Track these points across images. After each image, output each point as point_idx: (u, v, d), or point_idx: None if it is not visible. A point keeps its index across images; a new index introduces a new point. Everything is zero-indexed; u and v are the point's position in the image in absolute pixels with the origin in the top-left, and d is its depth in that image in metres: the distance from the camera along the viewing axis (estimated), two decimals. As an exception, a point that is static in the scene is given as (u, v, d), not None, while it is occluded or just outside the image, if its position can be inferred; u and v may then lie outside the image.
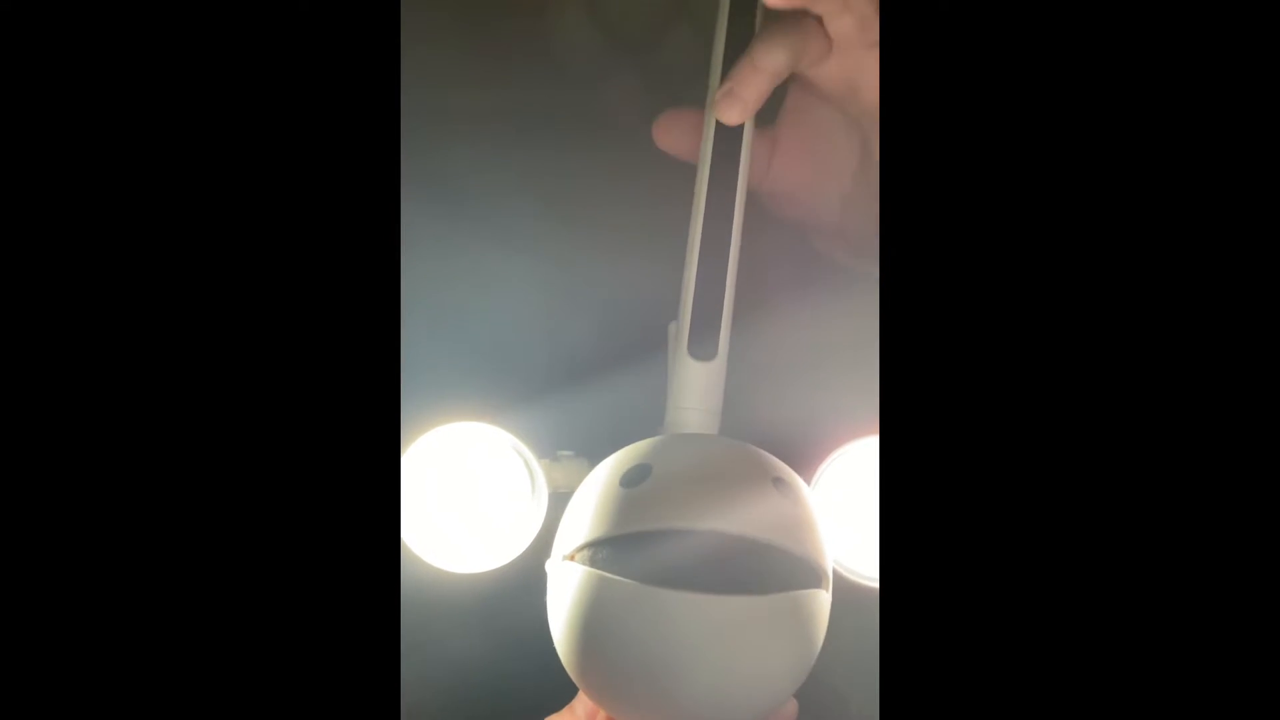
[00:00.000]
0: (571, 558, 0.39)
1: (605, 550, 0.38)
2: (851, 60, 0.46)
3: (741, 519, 0.38)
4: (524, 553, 0.44)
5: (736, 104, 0.44)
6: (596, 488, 0.40)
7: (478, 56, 0.53)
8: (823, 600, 0.39)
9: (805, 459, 0.44)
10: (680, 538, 0.38)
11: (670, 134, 0.48)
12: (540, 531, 0.44)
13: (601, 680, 0.39)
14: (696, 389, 0.44)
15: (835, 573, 0.44)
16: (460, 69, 0.53)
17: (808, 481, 0.44)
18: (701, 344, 0.44)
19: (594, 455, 0.43)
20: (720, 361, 0.44)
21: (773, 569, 0.38)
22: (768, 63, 0.44)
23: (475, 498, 0.45)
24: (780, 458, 0.42)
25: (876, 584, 0.44)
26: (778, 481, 0.40)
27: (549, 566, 0.40)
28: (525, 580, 0.41)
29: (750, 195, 0.46)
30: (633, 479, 0.39)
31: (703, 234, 0.44)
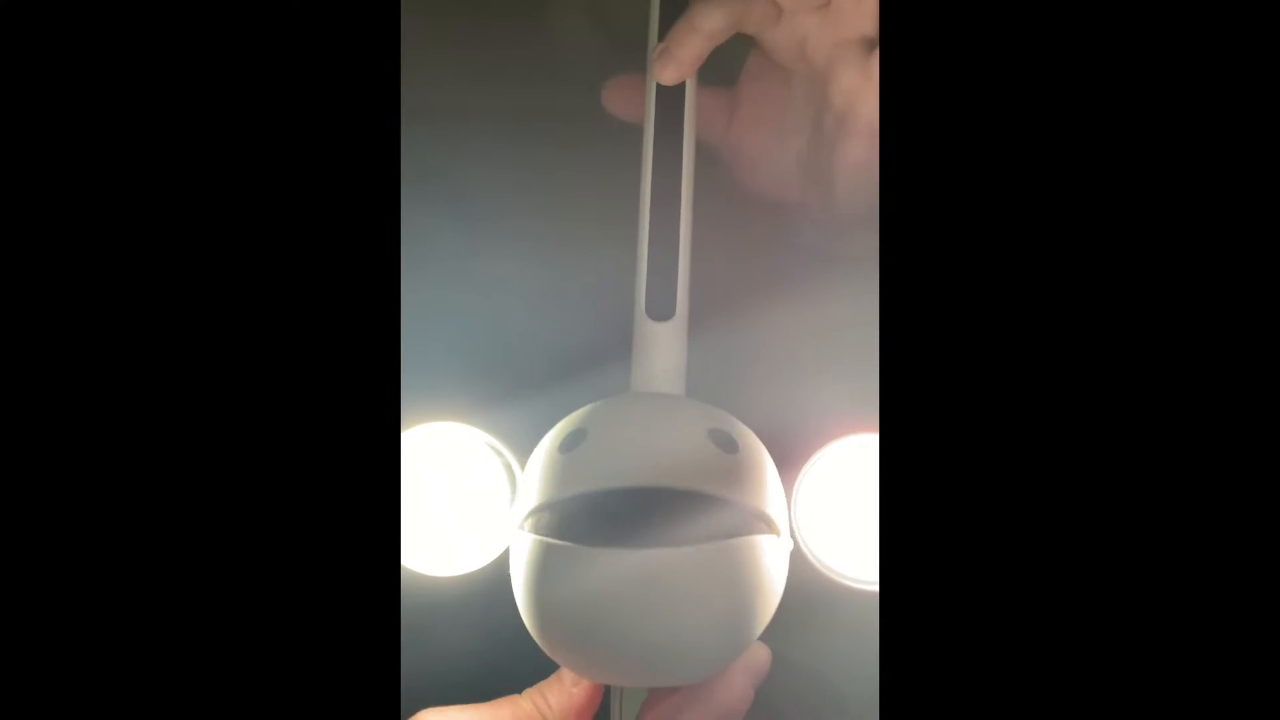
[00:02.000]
0: (521, 527, 0.40)
1: (547, 516, 0.39)
2: (798, 23, 0.46)
3: (673, 472, 0.38)
4: (504, 552, 0.44)
5: (670, 64, 0.44)
6: (540, 456, 0.41)
7: (476, 56, 0.53)
8: (765, 544, 0.39)
9: (789, 459, 0.43)
10: (615, 496, 0.38)
11: (617, 98, 0.48)
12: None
13: (561, 642, 0.39)
14: (657, 350, 0.43)
15: (827, 576, 0.43)
16: (459, 68, 0.53)
17: (792, 481, 0.43)
18: (659, 305, 0.43)
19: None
20: (679, 321, 0.44)
21: (708, 520, 0.38)
22: (704, 24, 0.44)
23: (453, 499, 0.45)
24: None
25: (858, 583, 0.44)
26: (714, 432, 0.40)
27: (509, 537, 0.41)
28: (507, 579, 0.41)
29: (714, 162, 0.45)
30: (569, 444, 0.40)
31: (653, 196, 0.44)
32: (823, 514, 0.44)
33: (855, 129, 0.46)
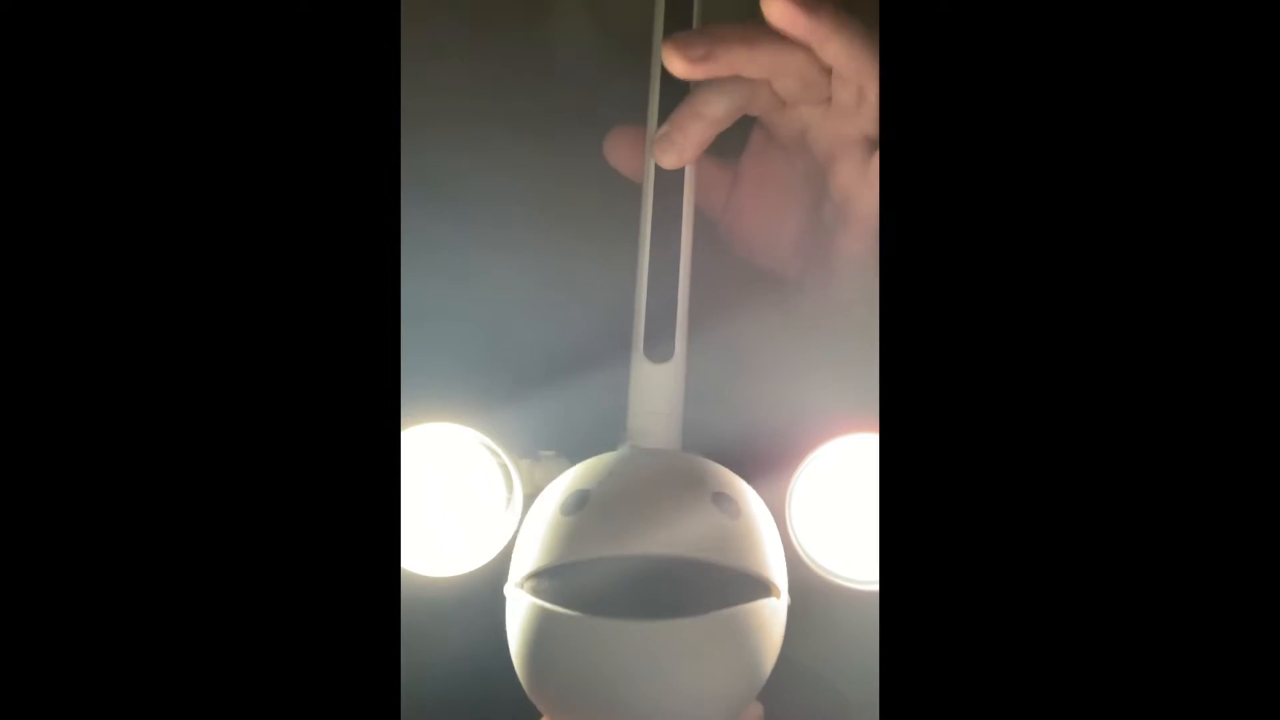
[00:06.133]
0: (520, 586, 0.40)
1: (546, 580, 0.39)
2: (800, 114, 0.46)
3: (677, 540, 0.38)
4: (501, 553, 0.44)
5: (672, 150, 0.44)
6: (541, 515, 0.41)
7: (476, 58, 0.53)
8: (766, 609, 0.39)
9: (780, 460, 0.43)
10: (617, 565, 0.38)
11: (619, 152, 0.48)
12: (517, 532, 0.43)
13: (556, 706, 0.39)
14: (655, 392, 0.43)
15: (821, 576, 0.43)
16: (459, 70, 0.53)
17: (784, 484, 0.43)
18: (657, 346, 0.43)
19: (576, 455, 0.43)
20: (678, 363, 0.44)
21: (710, 587, 0.38)
22: (708, 111, 0.44)
23: (449, 499, 0.45)
24: (752, 461, 0.42)
25: (852, 583, 0.44)
26: (717, 496, 0.40)
27: (506, 590, 0.40)
28: (503, 581, 0.41)
29: (710, 228, 0.45)
30: (571, 506, 0.40)
31: (653, 241, 0.44)
32: (818, 514, 0.44)
33: (852, 224, 0.47)
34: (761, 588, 0.39)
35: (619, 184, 0.46)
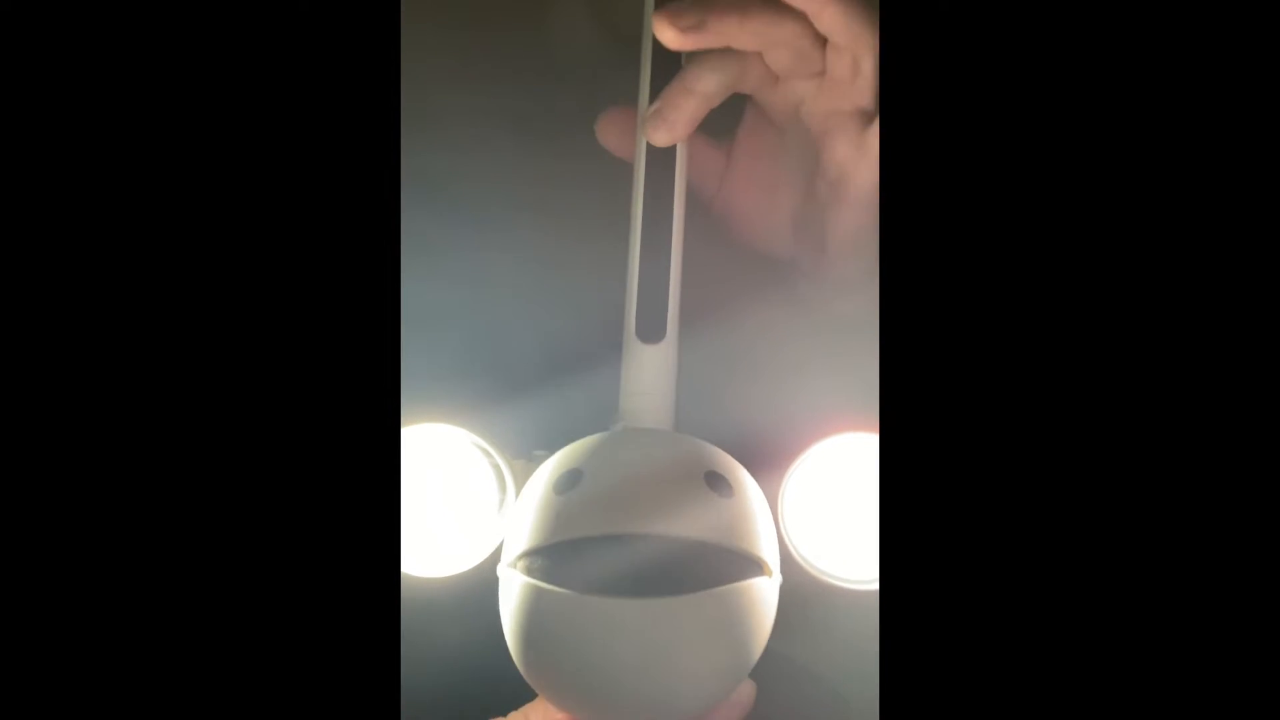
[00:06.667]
0: (513, 565, 0.39)
1: (540, 559, 0.39)
2: (793, 88, 0.46)
3: (669, 519, 0.38)
4: (494, 554, 0.43)
5: (663, 126, 0.44)
6: (534, 494, 0.40)
7: (475, 56, 0.53)
8: (758, 588, 0.39)
9: (777, 459, 0.44)
10: (610, 543, 0.38)
11: (611, 133, 0.48)
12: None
13: (549, 684, 0.40)
14: (647, 373, 0.44)
15: (815, 576, 0.43)
16: (458, 69, 0.53)
17: (777, 483, 0.43)
18: (649, 326, 0.44)
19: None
20: (670, 343, 0.44)
21: (703, 566, 0.38)
22: (699, 86, 0.44)
23: (443, 500, 0.45)
24: (745, 458, 0.42)
25: (846, 582, 0.44)
26: (710, 475, 0.40)
27: (499, 571, 0.40)
28: (494, 582, 0.41)
29: (705, 211, 0.45)
30: (564, 485, 0.40)
31: (645, 220, 0.44)
32: (811, 513, 0.44)
33: (848, 198, 0.46)
34: (754, 566, 0.39)
35: (618, 185, 0.46)
